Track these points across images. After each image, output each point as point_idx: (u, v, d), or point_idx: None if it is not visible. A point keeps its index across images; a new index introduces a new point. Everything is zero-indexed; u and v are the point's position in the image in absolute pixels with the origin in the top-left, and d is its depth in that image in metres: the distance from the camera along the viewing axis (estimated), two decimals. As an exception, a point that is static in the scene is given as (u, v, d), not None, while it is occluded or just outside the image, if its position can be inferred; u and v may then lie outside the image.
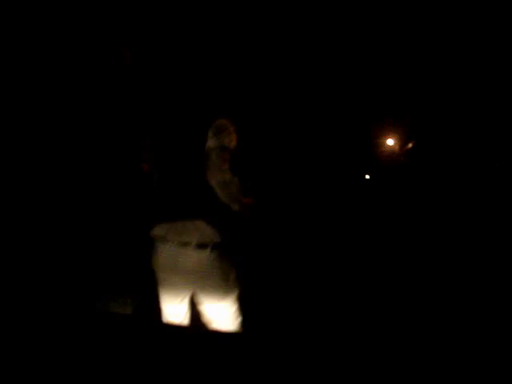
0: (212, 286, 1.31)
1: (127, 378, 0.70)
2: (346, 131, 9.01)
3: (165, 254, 1.32)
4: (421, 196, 9.02)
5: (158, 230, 1.34)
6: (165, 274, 1.35)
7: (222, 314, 1.34)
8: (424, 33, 7.82)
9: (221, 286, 1.33)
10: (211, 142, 1.37)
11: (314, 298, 2.78)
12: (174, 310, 1.35)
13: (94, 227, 1.52)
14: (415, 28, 8.10)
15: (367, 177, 12.59)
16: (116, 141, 1.52)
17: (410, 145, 9.51)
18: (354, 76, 8.92)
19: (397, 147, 10.23)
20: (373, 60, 9.02)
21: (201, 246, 1.29)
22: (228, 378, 0.71)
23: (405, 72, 8.86)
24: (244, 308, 1.38)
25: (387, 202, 10.15)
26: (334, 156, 8.53)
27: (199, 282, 1.31)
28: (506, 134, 5.99)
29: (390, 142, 10.62)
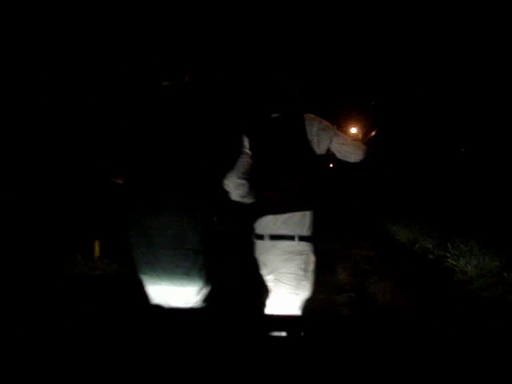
0: (291, 272, 1.51)
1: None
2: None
3: (262, 248, 1.55)
4: (382, 182, 9.22)
5: (260, 230, 1.57)
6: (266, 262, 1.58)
7: (294, 302, 1.53)
8: (385, 23, 7.92)
9: (298, 275, 1.51)
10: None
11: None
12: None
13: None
14: (378, 18, 8.18)
15: (331, 165, 12.74)
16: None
17: (373, 133, 9.66)
18: (319, 64, 8.93)
19: (360, 135, 10.38)
20: (337, 49, 9.05)
21: (288, 237, 1.50)
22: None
23: (368, 59, 8.96)
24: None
25: (351, 187, 10.35)
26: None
27: (284, 268, 1.51)
28: (470, 120, 6.15)
29: (354, 130, 10.77)
